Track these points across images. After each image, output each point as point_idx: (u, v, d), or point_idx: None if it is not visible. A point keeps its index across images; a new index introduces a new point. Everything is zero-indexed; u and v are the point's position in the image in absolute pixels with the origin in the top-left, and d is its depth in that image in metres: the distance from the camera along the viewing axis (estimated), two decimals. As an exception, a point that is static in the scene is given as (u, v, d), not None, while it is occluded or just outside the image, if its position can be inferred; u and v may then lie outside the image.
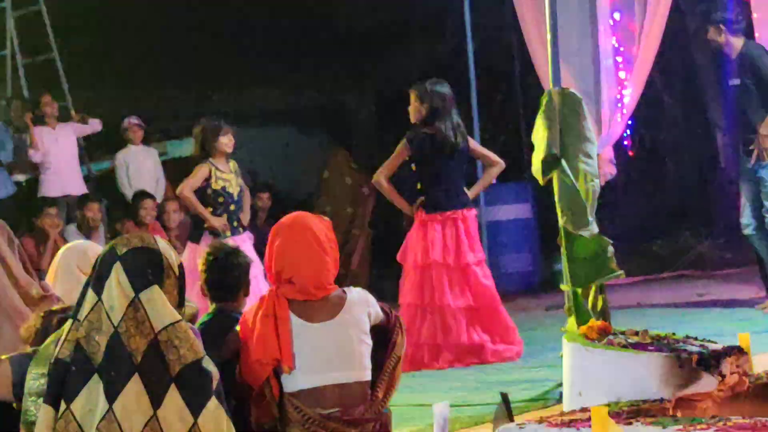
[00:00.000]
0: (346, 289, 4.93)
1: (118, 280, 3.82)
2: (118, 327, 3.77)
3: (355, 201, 14.27)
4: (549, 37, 6.59)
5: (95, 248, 5.62)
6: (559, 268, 11.50)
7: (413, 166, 8.95)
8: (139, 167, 12.44)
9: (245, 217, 9.38)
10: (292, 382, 4.75)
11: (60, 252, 5.26)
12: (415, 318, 8.59)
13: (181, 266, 3.99)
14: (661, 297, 11.69)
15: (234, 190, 9.15)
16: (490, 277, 8.90)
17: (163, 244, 3.96)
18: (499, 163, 9.12)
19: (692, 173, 15.45)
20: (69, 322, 3.84)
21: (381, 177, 8.92)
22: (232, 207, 9.13)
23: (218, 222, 9.01)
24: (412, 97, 8.91)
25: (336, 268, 4.95)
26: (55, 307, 4.50)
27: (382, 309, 4.99)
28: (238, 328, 4.95)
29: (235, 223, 9.13)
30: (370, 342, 4.85)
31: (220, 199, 9.08)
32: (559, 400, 6.28)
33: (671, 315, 10.32)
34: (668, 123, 15.69)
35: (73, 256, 5.19)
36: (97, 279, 3.85)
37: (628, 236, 13.70)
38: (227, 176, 9.15)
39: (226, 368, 4.55)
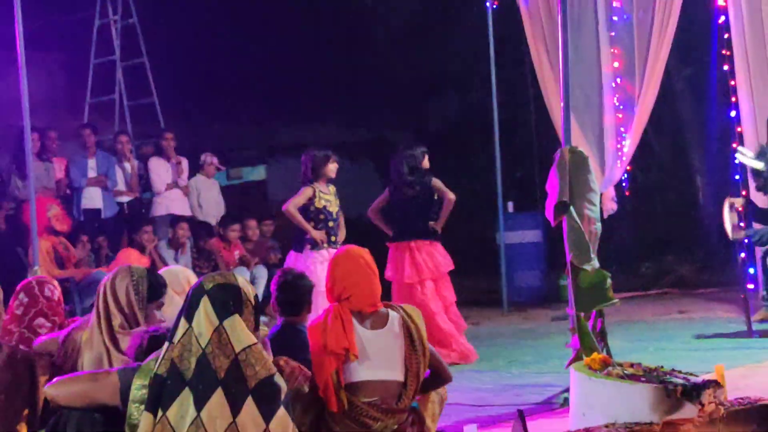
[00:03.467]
0: (387, 307, 4.97)
1: (205, 311, 3.86)
2: (206, 349, 3.82)
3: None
4: (562, 104, 6.57)
5: (185, 272, 5.70)
6: (564, 283, 11.52)
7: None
8: (206, 194, 12.55)
9: (342, 234, 9.14)
10: (350, 374, 4.79)
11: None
12: None
13: (256, 297, 4.03)
14: (649, 312, 11.65)
15: (333, 209, 9.02)
16: (428, 295, 9.00)
17: (241, 279, 4.00)
18: (450, 197, 9.25)
19: (676, 208, 15.43)
20: (166, 344, 3.88)
21: (372, 212, 9.43)
22: (331, 224, 8.98)
23: (318, 235, 8.89)
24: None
25: (380, 288, 5.00)
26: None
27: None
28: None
29: (333, 238, 8.97)
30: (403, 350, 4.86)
31: (321, 216, 8.94)
32: (563, 405, 6.27)
33: (656, 328, 10.28)
34: (657, 167, 15.67)
35: (167, 278, 5.25)
36: (189, 309, 3.89)
37: (621, 259, 13.74)
38: (328, 197, 9.02)
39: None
